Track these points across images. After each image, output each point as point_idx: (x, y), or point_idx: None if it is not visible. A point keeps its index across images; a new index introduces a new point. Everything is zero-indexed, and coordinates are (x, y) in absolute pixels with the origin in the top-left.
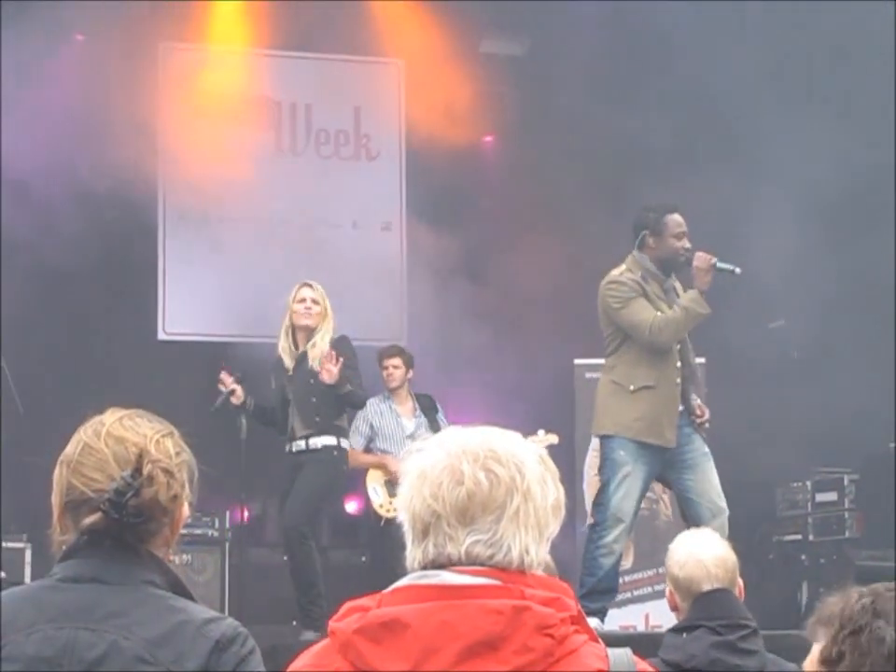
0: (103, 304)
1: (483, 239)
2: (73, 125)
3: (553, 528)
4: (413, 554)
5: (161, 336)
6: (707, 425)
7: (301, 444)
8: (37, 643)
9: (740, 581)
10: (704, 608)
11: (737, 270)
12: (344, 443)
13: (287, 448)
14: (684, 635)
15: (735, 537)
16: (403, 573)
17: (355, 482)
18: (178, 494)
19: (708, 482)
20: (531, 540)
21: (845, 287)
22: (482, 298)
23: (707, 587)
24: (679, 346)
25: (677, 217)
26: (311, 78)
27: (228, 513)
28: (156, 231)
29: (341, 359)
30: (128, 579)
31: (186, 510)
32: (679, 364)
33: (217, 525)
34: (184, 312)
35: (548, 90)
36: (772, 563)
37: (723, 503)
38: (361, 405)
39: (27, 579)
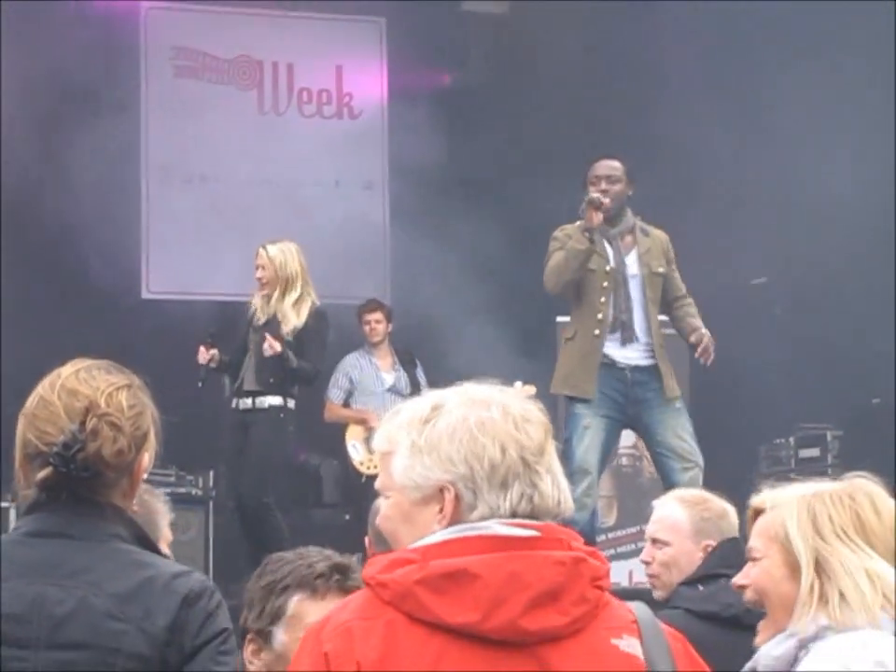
0: (86, 263)
1: (464, 197)
2: (57, 84)
3: None
4: (489, 503)
5: (145, 295)
6: (710, 358)
7: (248, 402)
8: (6, 599)
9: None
10: (724, 557)
11: (591, 197)
12: (291, 403)
13: (234, 403)
14: (700, 587)
15: (718, 494)
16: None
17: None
18: (124, 448)
19: (677, 436)
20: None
21: (824, 243)
22: (465, 255)
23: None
24: (603, 298)
25: (595, 165)
26: (292, 37)
27: (211, 472)
28: (139, 189)
29: (277, 346)
30: (93, 533)
31: (145, 461)
32: (600, 316)
33: (200, 483)
34: (168, 271)
35: (529, 47)
36: None
37: (695, 457)
38: (310, 382)
39: None
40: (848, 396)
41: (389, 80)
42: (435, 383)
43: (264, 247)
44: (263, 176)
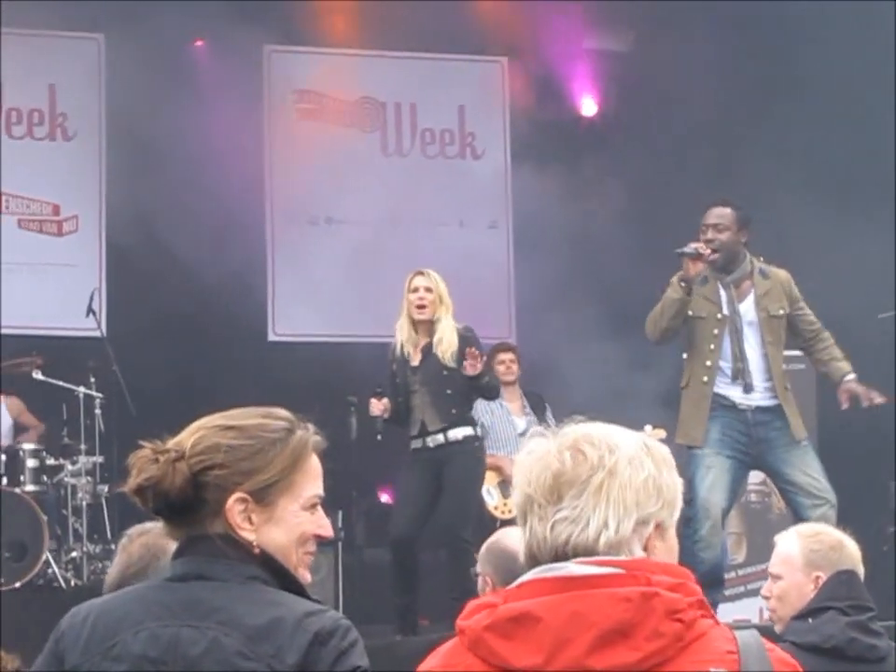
0: (213, 307)
1: (589, 235)
2: (180, 127)
3: (650, 509)
4: (522, 542)
5: (272, 337)
6: (875, 400)
7: (440, 438)
8: (143, 642)
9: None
10: (833, 589)
11: (686, 249)
12: (480, 432)
13: (419, 443)
14: (809, 620)
15: (850, 529)
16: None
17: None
18: (180, 485)
19: (804, 473)
20: (612, 516)
21: None
22: (591, 295)
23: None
24: (712, 346)
25: (707, 213)
26: (415, 78)
27: (340, 513)
28: (264, 233)
29: (483, 355)
30: (232, 574)
31: (230, 501)
32: (709, 363)
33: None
34: (293, 313)
35: (652, 84)
36: (886, 555)
37: (825, 494)
38: (496, 395)
39: None
40: None
41: (511, 120)
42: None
43: (428, 272)
44: (387, 218)
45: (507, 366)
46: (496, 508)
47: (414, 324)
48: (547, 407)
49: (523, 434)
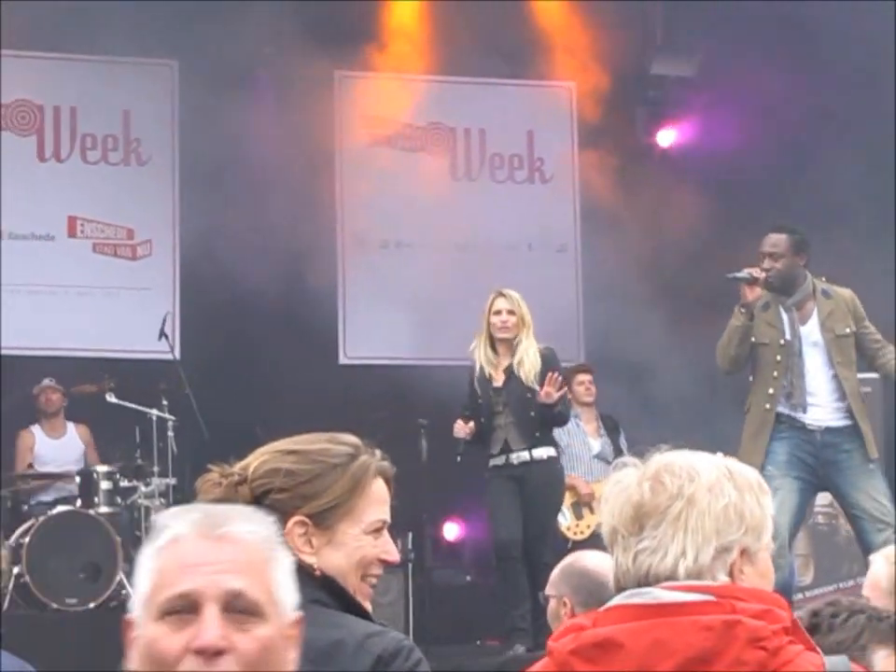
0: (284, 330)
1: (659, 260)
2: (253, 154)
3: (732, 536)
4: (612, 571)
5: (343, 360)
6: None
7: (525, 455)
8: None
9: None
10: None
11: (739, 274)
12: (559, 452)
13: (502, 460)
14: None
15: None
16: None
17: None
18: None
19: (870, 497)
20: (690, 544)
21: None
22: (661, 321)
23: None
24: (776, 373)
25: (762, 240)
26: (484, 103)
27: (410, 535)
28: (335, 256)
29: (565, 389)
30: None
31: (290, 525)
32: (771, 391)
33: (399, 546)
34: (364, 336)
35: (720, 106)
36: None
37: (889, 518)
38: (564, 423)
39: None
40: None
41: (580, 144)
42: (635, 453)
43: (509, 294)
44: (457, 242)
45: (586, 387)
46: (568, 528)
47: (493, 344)
48: (621, 431)
49: (597, 456)
